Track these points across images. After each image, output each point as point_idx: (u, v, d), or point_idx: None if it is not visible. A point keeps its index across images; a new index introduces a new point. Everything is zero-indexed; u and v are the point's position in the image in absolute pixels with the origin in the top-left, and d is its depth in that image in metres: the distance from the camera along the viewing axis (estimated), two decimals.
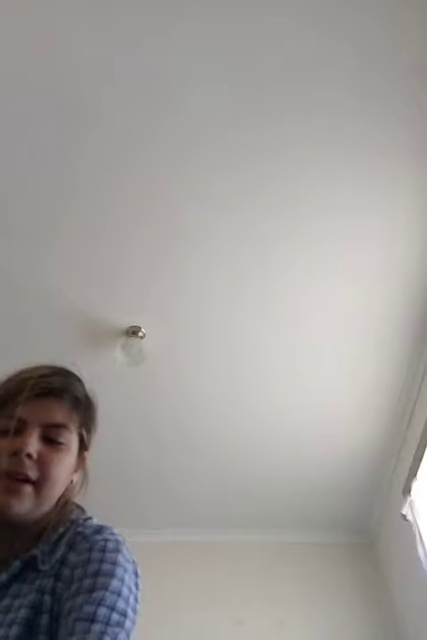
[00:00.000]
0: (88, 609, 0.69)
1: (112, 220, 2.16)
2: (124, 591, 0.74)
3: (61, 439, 0.85)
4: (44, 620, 0.72)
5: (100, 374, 2.65)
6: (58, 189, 2.06)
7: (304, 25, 1.70)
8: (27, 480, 0.80)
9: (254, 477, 3.12)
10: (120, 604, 0.71)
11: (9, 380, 0.89)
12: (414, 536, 2.63)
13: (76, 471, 0.92)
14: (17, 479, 0.79)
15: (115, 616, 0.70)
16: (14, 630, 0.70)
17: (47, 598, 0.74)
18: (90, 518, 0.89)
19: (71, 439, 0.87)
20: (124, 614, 0.71)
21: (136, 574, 0.81)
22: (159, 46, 1.73)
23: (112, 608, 0.70)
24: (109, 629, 0.68)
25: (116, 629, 0.69)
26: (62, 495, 0.89)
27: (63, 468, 0.85)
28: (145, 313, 2.46)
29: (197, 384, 2.72)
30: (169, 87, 1.81)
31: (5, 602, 0.75)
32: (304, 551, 3.29)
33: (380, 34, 1.72)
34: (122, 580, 0.75)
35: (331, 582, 3.20)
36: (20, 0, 1.63)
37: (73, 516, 0.89)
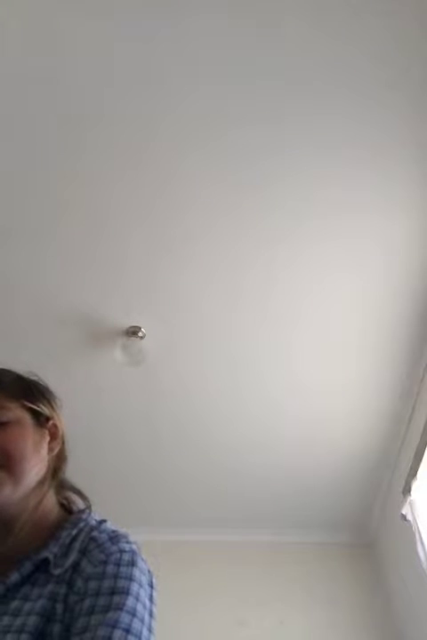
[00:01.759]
0: (103, 632, 0.68)
1: (112, 219, 2.16)
2: (139, 609, 0.73)
3: (3, 419, 0.87)
4: (56, 628, 0.72)
5: (100, 374, 2.66)
6: (57, 189, 2.06)
7: (305, 25, 1.70)
8: None
9: (254, 477, 3.12)
10: (135, 625, 0.71)
11: None
12: (414, 536, 2.63)
13: (51, 440, 0.94)
14: None
15: (130, 638, 0.69)
16: (24, 639, 0.69)
17: (59, 607, 0.74)
18: (104, 521, 0.89)
19: (16, 415, 0.89)
20: (138, 636, 0.71)
21: (151, 586, 0.80)
22: (159, 46, 1.72)
23: (127, 630, 0.69)
24: None
25: None
26: (47, 467, 0.91)
27: (20, 440, 0.87)
28: (145, 313, 2.46)
29: (196, 384, 2.73)
30: (168, 87, 1.81)
31: (15, 604, 0.74)
32: (304, 551, 3.29)
33: (380, 33, 1.72)
34: (137, 597, 0.74)
35: (331, 582, 3.20)
36: (21, 0, 1.63)
37: (85, 517, 0.89)
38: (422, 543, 2.57)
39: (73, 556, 0.79)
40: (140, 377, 2.65)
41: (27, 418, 0.91)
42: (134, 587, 0.75)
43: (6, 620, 0.72)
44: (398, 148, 1.98)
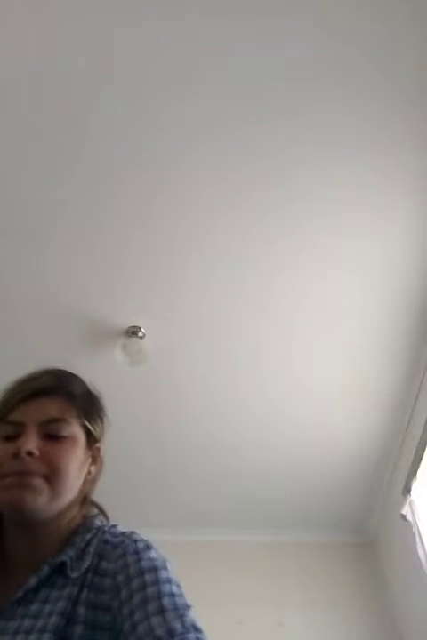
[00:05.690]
0: (152, 606, 0.69)
1: (112, 220, 2.16)
2: (172, 577, 0.76)
3: (62, 432, 0.86)
4: (78, 630, 0.72)
5: (100, 374, 2.64)
6: (57, 189, 2.06)
7: (304, 24, 1.70)
8: (36, 474, 0.81)
9: (254, 477, 3.12)
10: (175, 589, 0.74)
11: (6, 390, 0.90)
12: (414, 536, 2.63)
13: (92, 463, 0.94)
14: (27, 475, 0.80)
15: (178, 600, 0.72)
16: (46, 638, 0.70)
17: (81, 609, 0.74)
18: (114, 526, 0.90)
19: (74, 431, 0.88)
20: (183, 595, 0.74)
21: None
22: (159, 46, 1.73)
23: (172, 594, 0.72)
24: (182, 613, 0.69)
25: (187, 610, 0.71)
26: (81, 489, 0.90)
27: (70, 459, 0.86)
28: (145, 313, 2.46)
29: (196, 384, 2.73)
30: (169, 87, 1.81)
31: (35, 606, 0.75)
32: (304, 551, 3.29)
33: (380, 33, 1.72)
34: (166, 569, 0.77)
35: (331, 582, 3.20)
36: (21, 0, 1.63)
37: (98, 522, 0.90)
38: (422, 543, 2.57)
39: (88, 559, 0.81)
40: (141, 377, 2.65)
41: (81, 437, 0.90)
42: (159, 563, 0.78)
43: (27, 622, 0.73)
44: (398, 148, 1.98)
